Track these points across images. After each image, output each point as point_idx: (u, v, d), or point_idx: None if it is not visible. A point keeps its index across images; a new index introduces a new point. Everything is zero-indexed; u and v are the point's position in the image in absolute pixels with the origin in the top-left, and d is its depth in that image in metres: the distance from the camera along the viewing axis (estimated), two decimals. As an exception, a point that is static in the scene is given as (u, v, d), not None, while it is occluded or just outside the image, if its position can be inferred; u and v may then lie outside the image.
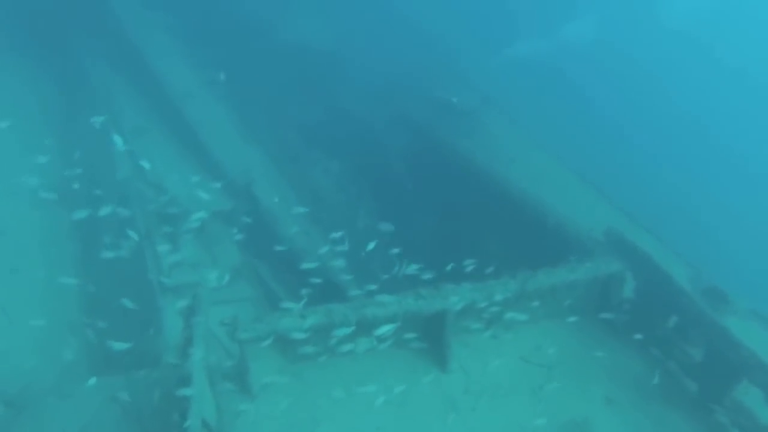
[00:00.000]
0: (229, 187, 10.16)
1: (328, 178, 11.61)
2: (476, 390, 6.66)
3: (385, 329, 6.46)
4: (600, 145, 13.65)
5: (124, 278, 8.21)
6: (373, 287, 6.99)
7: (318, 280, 7.67)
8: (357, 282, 8.88)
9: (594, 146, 13.24)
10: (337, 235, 8.10)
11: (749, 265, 12.40)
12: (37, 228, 9.61)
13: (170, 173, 9.78)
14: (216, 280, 8.65)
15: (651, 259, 7.09)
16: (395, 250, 7.37)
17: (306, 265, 7.81)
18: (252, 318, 6.66)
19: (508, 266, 7.22)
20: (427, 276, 6.88)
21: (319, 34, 14.07)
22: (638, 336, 6.98)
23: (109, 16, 13.11)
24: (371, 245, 7.10)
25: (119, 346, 6.24)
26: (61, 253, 9.24)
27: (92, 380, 6.51)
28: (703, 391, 6.63)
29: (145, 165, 8.94)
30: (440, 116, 11.31)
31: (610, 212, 9.16)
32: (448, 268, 6.96)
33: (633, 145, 15.52)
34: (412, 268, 6.99)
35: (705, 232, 12.99)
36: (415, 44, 13.39)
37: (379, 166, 11.71)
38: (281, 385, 6.53)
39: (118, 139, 8.98)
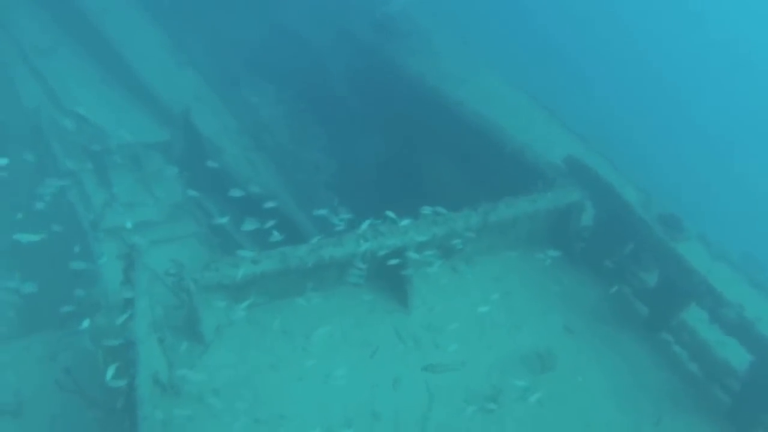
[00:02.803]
0: (164, 115, 8.88)
1: (271, 103, 10.39)
2: (438, 326, 6.26)
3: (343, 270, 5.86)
4: (549, 68, 12.97)
5: (50, 225, 7.09)
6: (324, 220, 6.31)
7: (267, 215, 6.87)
8: (307, 214, 8.18)
9: (544, 69, 12.55)
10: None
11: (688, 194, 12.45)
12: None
13: (91, 99, 8.33)
14: (156, 216, 7.69)
15: (611, 187, 6.70)
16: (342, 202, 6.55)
17: (267, 204, 6.88)
18: (200, 265, 5.85)
19: (464, 193, 6.68)
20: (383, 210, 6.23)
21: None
22: (595, 264, 6.72)
23: None
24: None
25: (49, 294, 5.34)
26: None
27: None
28: (653, 314, 6.56)
29: (58, 90, 7.52)
30: (386, 35, 10.19)
31: (564, 136, 8.71)
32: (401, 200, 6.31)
33: (582, 70, 14.92)
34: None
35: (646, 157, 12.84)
36: None
37: (324, 87, 10.59)
38: (235, 331, 5.88)
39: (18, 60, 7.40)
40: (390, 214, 6.08)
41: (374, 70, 9.82)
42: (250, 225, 6.12)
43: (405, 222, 6.09)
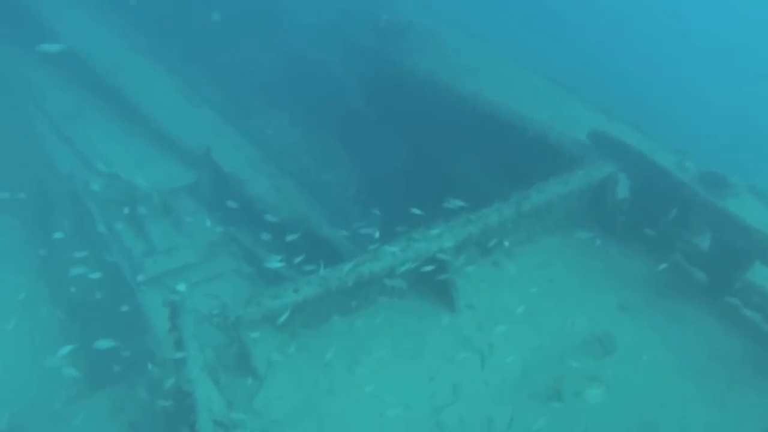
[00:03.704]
0: (188, 157, 8.99)
1: (289, 128, 10.40)
2: (489, 324, 6.05)
3: (385, 282, 5.73)
4: (558, 44, 12.56)
5: (97, 282, 7.22)
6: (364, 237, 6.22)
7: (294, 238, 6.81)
8: (341, 232, 8.10)
9: (552, 45, 12.16)
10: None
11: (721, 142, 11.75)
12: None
13: (118, 155, 8.51)
14: (194, 258, 7.75)
15: (643, 155, 6.37)
16: (376, 210, 6.44)
17: (291, 237, 6.86)
18: (243, 301, 5.83)
19: (493, 185, 6.45)
20: (415, 214, 6.08)
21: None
22: (639, 236, 6.39)
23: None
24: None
25: (109, 351, 5.43)
26: (23, 266, 8.10)
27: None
28: (712, 278, 6.17)
29: (87, 152, 7.74)
30: (390, 40, 10.06)
31: (586, 111, 8.38)
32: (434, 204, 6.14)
33: (589, 38, 14.37)
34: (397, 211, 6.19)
35: (676, 116, 12.23)
36: None
37: (338, 103, 10.53)
38: (287, 361, 5.82)
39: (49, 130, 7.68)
40: (416, 211, 5.91)
41: (385, 76, 9.71)
42: (275, 261, 6.10)
43: (437, 226, 5.92)
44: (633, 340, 5.91)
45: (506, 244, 6.24)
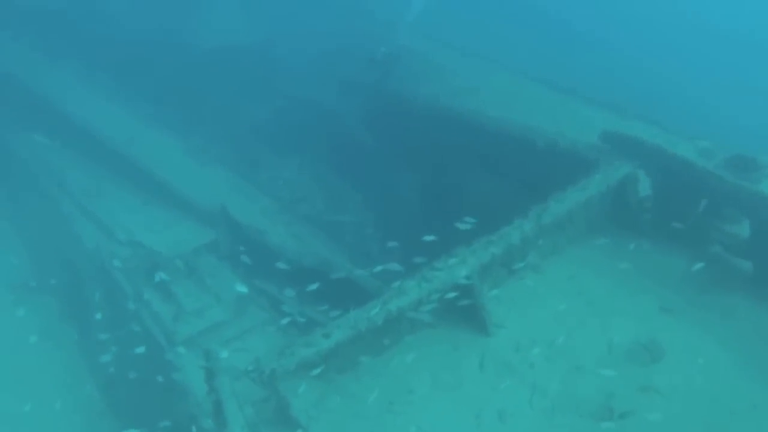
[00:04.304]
0: (204, 216, 9.14)
1: (299, 173, 10.53)
2: (526, 344, 5.86)
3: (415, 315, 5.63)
4: (560, 46, 12.51)
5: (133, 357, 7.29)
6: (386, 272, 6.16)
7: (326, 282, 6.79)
8: (365, 271, 8.05)
9: (555, 49, 12.11)
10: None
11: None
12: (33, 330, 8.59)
13: (138, 224, 8.72)
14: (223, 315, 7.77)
15: (660, 148, 6.20)
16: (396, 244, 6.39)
17: (316, 282, 6.82)
18: (275, 353, 5.79)
19: (511, 204, 6.33)
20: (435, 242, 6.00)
21: (242, 32, 12.67)
22: (670, 232, 6.16)
23: (12, 83, 11.56)
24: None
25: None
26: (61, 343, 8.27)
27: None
28: (759, 265, 5.86)
29: (110, 225, 7.96)
30: (389, 70, 10.19)
31: (594, 112, 8.27)
32: (451, 228, 6.05)
33: (583, 36, 14.29)
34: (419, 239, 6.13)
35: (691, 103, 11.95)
36: (341, 15, 12.09)
37: (344, 141, 10.62)
38: (328, 408, 5.72)
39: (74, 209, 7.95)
40: (430, 238, 5.82)
41: (386, 108, 9.80)
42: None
43: (459, 252, 5.82)
44: (683, 343, 5.60)
45: (531, 260, 6.09)
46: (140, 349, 6.40)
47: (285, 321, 7.62)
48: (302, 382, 5.70)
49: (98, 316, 6.65)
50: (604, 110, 8.26)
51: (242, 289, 7.23)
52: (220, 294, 8.17)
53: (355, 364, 5.89)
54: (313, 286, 6.89)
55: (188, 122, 11.08)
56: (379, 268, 6.23)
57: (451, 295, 5.74)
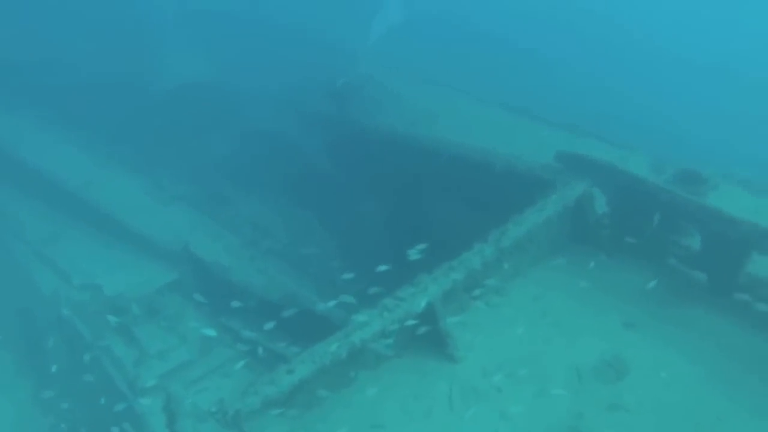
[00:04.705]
0: (167, 256, 8.98)
1: (265, 208, 10.45)
2: (493, 368, 5.82)
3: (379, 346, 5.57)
4: (511, 70, 12.87)
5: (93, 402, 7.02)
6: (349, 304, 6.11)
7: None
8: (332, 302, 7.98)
9: (506, 73, 12.45)
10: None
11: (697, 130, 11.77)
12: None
13: (98, 267, 8.52)
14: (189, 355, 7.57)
15: (613, 166, 6.35)
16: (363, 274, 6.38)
17: (283, 315, 6.72)
18: (239, 392, 5.63)
19: (474, 226, 6.38)
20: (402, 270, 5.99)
21: (202, 69, 12.71)
22: (628, 248, 6.27)
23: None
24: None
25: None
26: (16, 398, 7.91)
27: None
28: (712, 277, 5.99)
29: (67, 269, 7.75)
30: (350, 101, 10.31)
31: (551, 133, 8.47)
32: (414, 255, 6.04)
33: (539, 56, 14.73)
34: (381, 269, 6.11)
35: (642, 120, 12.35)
36: (300, 47, 12.29)
37: (308, 173, 10.63)
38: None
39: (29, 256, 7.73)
40: (384, 267, 5.87)
41: (348, 138, 9.86)
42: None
43: (421, 280, 5.81)
44: (646, 357, 5.64)
45: (495, 283, 6.11)
46: (101, 400, 6.16)
47: (251, 358, 7.45)
48: (268, 422, 5.56)
49: (53, 368, 6.39)
50: (560, 130, 8.47)
51: (209, 331, 7.07)
52: (185, 334, 7.97)
53: (321, 400, 5.76)
54: (280, 321, 6.78)
55: (149, 162, 10.96)
56: (332, 302, 6.19)
57: (415, 323, 5.71)
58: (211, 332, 7.67)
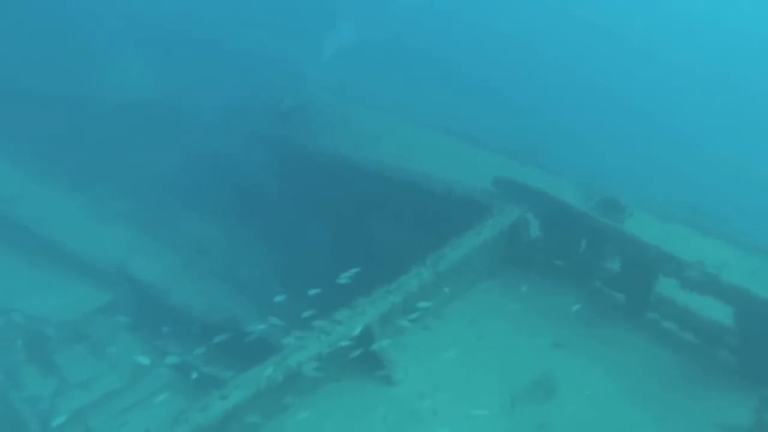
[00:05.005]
0: (101, 276, 8.62)
1: (209, 228, 10.24)
2: (430, 390, 5.92)
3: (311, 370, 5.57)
4: (454, 97, 13.33)
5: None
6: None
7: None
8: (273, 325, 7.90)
9: (449, 99, 12.87)
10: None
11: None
12: None
13: (22, 289, 8.06)
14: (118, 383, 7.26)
15: (545, 193, 6.67)
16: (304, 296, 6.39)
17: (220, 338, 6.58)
18: (169, 421, 5.46)
19: (414, 251, 6.52)
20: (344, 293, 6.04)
21: (148, 86, 12.43)
22: (559, 271, 6.58)
23: None
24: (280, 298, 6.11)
25: None
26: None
27: None
28: (630, 298, 6.38)
29: None
30: (295, 122, 10.37)
31: (491, 158, 8.80)
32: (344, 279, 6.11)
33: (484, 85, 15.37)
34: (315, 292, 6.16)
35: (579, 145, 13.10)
36: (248, 67, 12.29)
37: (252, 194, 10.55)
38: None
39: None
40: (313, 291, 5.92)
41: (293, 159, 9.87)
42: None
43: (359, 303, 5.88)
44: (574, 376, 5.91)
45: (432, 306, 6.25)
46: None
47: (186, 384, 7.24)
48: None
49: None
50: (499, 156, 8.80)
51: (141, 358, 6.78)
52: (116, 360, 7.64)
53: (255, 427, 5.67)
54: (218, 344, 6.64)
55: (89, 178, 10.56)
56: (271, 325, 6.15)
57: (352, 346, 5.74)
58: (144, 359, 7.40)
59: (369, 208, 8.50)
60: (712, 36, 20.59)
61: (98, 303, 8.23)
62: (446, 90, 13.11)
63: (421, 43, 16.79)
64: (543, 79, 16.25)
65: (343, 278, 5.87)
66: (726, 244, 6.75)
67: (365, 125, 9.80)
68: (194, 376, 7.56)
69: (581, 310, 6.42)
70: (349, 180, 8.59)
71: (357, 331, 5.73)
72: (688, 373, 5.78)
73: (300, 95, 10.84)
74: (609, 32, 19.95)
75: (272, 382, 5.51)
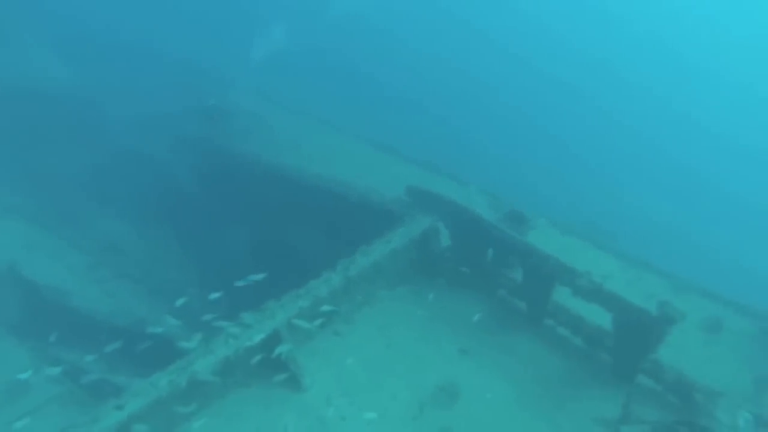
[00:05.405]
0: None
1: (127, 229, 9.69)
2: (338, 396, 5.97)
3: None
4: (375, 107, 13.61)
5: None
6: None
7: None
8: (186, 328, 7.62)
9: (374, 110, 13.12)
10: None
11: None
12: None
13: None
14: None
15: (455, 203, 6.94)
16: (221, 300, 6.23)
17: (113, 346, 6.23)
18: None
19: (328, 255, 6.57)
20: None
21: (58, 79, 11.66)
22: (467, 280, 6.85)
23: None
24: (180, 301, 5.93)
25: None
26: None
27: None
28: (530, 306, 6.76)
29: None
30: (218, 125, 10.14)
31: (406, 168, 9.02)
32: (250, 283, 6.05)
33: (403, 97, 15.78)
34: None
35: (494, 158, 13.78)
36: (171, 71, 11.91)
37: (173, 196, 10.15)
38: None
39: None
40: (215, 295, 5.87)
41: (214, 162, 9.63)
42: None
43: (267, 307, 5.83)
44: (476, 380, 6.17)
45: (343, 311, 6.32)
46: None
47: (80, 392, 6.80)
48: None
49: None
50: (415, 166, 9.05)
51: (22, 374, 6.24)
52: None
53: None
54: (122, 350, 6.30)
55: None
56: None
57: (261, 351, 5.67)
58: (24, 375, 6.81)
59: (288, 212, 8.46)
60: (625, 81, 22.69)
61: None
62: (369, 100, 13.34)
63: (351, 53, 17.02)
64: (468, 99, 17.01)
65: (249, 281, 5.78)
66: (613, 257, 7.37)
67: (287, 130, 9.76)
68: (87, 384, 7.12)
69: (485, 317, 6.73)
70: (270, 184, 8.51)
71: (265, 334, 5.68)
72: (575, 376, 6.22)
73: (224, 98, 10.63)
74: (535, 63, 21.37)
75: (175, 389, 5.33)
